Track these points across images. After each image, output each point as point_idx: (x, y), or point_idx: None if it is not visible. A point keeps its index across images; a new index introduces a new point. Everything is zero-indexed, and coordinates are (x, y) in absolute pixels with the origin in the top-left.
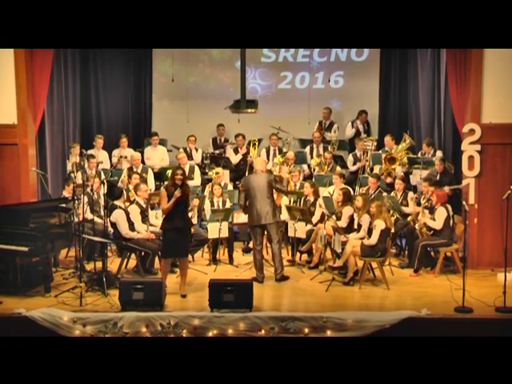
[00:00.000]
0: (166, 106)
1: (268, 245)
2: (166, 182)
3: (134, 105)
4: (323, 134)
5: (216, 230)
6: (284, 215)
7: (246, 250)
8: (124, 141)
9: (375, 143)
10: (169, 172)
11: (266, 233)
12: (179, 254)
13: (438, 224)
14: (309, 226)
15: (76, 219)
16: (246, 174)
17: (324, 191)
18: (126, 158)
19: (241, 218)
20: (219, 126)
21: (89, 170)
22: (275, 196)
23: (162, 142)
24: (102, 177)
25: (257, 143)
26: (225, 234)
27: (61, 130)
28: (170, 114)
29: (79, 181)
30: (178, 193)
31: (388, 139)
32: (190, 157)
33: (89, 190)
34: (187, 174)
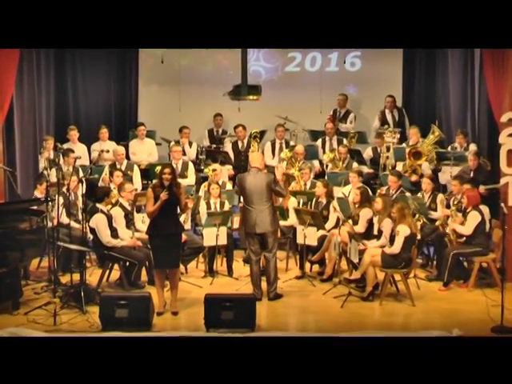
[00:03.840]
0: (155, 92)
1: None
2: (154, 181)
3: (117, 91)
4: (337, 125)
5: (213, 236)
6: (292, 219)
7: (248, 260)
8: (104, 132)
9: (398, 136)
10: (158, 169)
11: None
12: (169, 265)
13: (467, 229)
14: (321, 232)
15: (50, 224)
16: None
17: (338, 191)
18: (107, 152)
19: (239, 221)
20: (216, 115)
21: (65, 166)
22: (281, 198)
23: (150, 135)
24: (80, 174)
25: (259, 135)
26: (223, 241)
27: (32, 120)
28: (159, 102)
29: (53, 179)
30: (163, 195)
31: (414, 131)
32: (182, 152)
33: (64, 189)
34: (179, 171)
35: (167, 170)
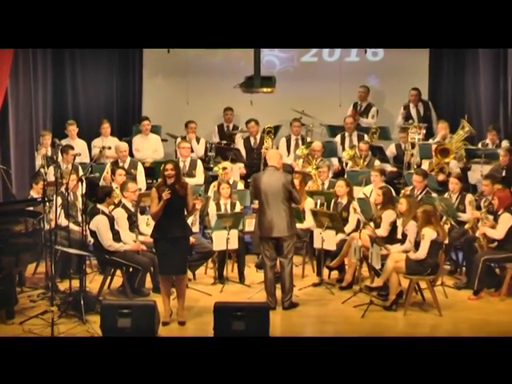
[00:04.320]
0: (160, 84)
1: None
2: (159, 180)
3: (120, 83)
4: (358, 120)
5: (223, 240)
6: (308, 222)
7: (261, 266)
8: (106, 127)
9: (423, 131)
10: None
11: (277, 248)
12: (175, 271)
13: (498, 233)
14: (340, 236)
15: (47, 226)
16: (261, 170)
17: (359, 192)
18: (109, 148)
19: (255, 224)
20: (227, 109)
21: (63, 164)
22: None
23: (155, 130)
24: (80, 173)
25: (273, 131)
26: (234, 245)
27: (28, 114)
28: (165, 95)
29: (51, 178)
30: (165, 194)
31: (442, 126)
32: (190, 148)
33: (63, 189)
34: (187, 169)
35: (169, 166)
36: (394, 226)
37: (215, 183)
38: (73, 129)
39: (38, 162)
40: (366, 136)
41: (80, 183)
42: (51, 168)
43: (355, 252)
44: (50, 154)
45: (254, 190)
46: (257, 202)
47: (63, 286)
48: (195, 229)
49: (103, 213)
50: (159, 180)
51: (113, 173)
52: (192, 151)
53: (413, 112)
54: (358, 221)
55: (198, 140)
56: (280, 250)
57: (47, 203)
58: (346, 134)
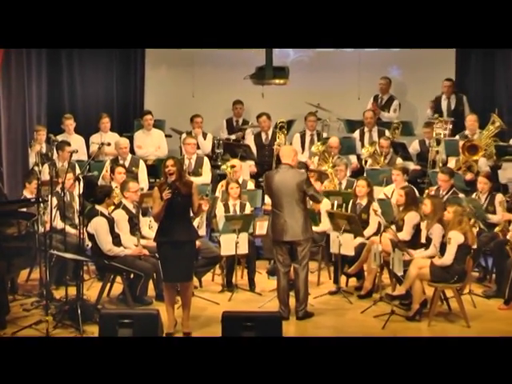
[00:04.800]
0: (164, 75)
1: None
2: (162, 179)
3: (121, 74)
4: (379, 114)
5: (232, 244)
6: (324, 224)
7: (273, 272)
8: (105, 122)
9: (450, 126)
10: None
11: (291, 252)
12: (180, 278)
13: None
14: (359, 240)
15: (41, 229)
16: (273, 168)
17: (379, 192)
18: (108, 145)
19: (266, 227)
20: (236, 102)
21: (59, 161)
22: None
23: (159, 125)
24: (77, 171)
25: (286, 126)
26: (244, 249)
27: (21, 108)
28: (169, 87)
29: (45, 176)
30: (166, 193)
31: (471, 118)
32: (196, 145)
33: (59, 188)
34: (193, 167)
35: (169, 162)
36: (417, 229)
37: (223, 182)
38: (70, 123)
39: (32, 159)
40: (387, 131)
41: (77, 182)
42: (46, 166)
43: (375, 257)
44: (44, 150)
45: (266, 190)
46: (269, 202)
47: (59, 293)
48: (201, 232)
49: (102, 214)
50: (162, 179)
51: (112, 171)
52: (198, 148)
53: (443, 105)
54: (379, 223)
55: (204, 136)
56: (294, 255)
57: (41, 204)
58: (366, 129)
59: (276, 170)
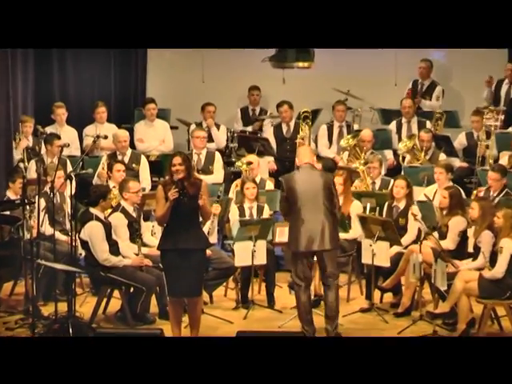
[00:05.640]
0: (169, 58)
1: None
2: (167, 177)
3: (119, 57)
4: (419, 102)
5: (248, 253)
6: (355, 231)
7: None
8: (101, 111)
9: (502, 117)
10: None
11: (317, 264)
12: (187, 292)
13: None
14: (396, 249)
15: (27, 235)
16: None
17: (420, 193)
18: (105, 138)
19: (287, 234)
20: (252, 89)
21: (48, 157)
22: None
23: (163, 115)
24: (69, 168)
25: (310, 116)
26: (261, 259)
27: (4, 97)
28: (176, 71)
29: (32, 174)
30: (172, 193)
31: None
32: (207, 138)
33: (47, 188)
34: (202, 164)
35: (177, 160)
36: (463, 236)
37: (238, 182)
38: (62, 112)
39: (17, 154)
40: (428, 123)
41: (68, 181)
42: (32, 162)
43: (414, 269)
44: (31, 144)
45: (286, 194)
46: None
47: (47, 310)
48: (212, 239)
49: (97, 219)
50: (166, 177)
51: (110, 169)
52: (209, 141)
53: (502, 91)
54: (419, 230)
55: (217, 127)
56: (322, 269)
57: (27, 206)
58: (404, 120)
59: (296, 172)
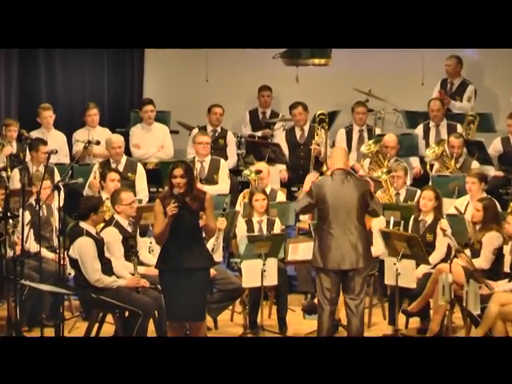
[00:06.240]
0: (169, 55)
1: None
2: (166, 189)
3: (113, 54)
4: (448, 104)
5: (256, 272)
6: (377, 247)
7: (310, 310)
8: (93, 114)
9: None
10: None
11: (343, 283)
12: (189, 316)
13: None
14: (424, 268)
15: (10, 252)
16: (310, 172)
17: (449, 206)
18: (97, 144)
19: (302, 251)
20: (263, 89)
21: (33, 165)
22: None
23: (162, 118)
24: (57, 178)
25: (327, 119)
26: (272, 280)
27: None
28: (176, 70)
29: (16, 185)
30: (171, 209)
31: None
32: (212, 143)
33: (33, 200)
34: (206, 173)
35: (178, 172)
36: (499, 254)
37: (246, 193)
38: (49, 115)
39: None
40: (459, 126)
41: (56, 192)
42: (16, 171)
43: (444, 291)
44: (15, 151)
45: (316, 203)
46: (305, 219)
47: (32, 335)
48: (217, 257)
49: (88, 234)
50: (165, 188)
51: (103, 178)
52: (214, 148)
53: None
54: (449, 247)
55: (224, 132)
56: (348, 287)
57: (10, 220)
58: (432, 123)
59: (328, 177)
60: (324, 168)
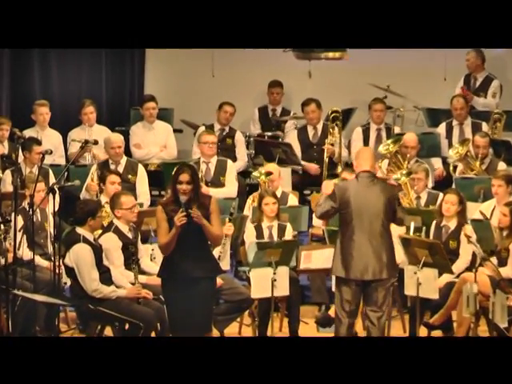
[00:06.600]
0: (172, 49)
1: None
2: (169, 192)
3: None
4: (471, 100)
5: (266, 282)
6: (397, 255)
7: (324, 322)
8: (89, 112)
9: None
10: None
11: (364, 294)
12: (193, 329)
13: None
14: (446, 278)
15: (1, 260)
16: (324, 176)
17: (474, 210)
18: (95, 143)
19: (315, 259)
20: (273, 85)
21: (26, 166)
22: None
23: (165, 115)
24: (52, 180)
25: (341, 117)
26: (283, 290)
27: None
28: (180, 64)
29: (7, 188)
30: (179, 219)
31: None
32: (220, 141)
33: (26, 204)
34: (212, 175)
35: (185, 177)
36: None
37: (255, 196)
38: (45, 111)
39: None
40: (484, 125)
41: (51, 195)
42: (8, 173)
43: (468, 302)
44: (7, 151)
45: (339, 207)
46: (319, 224)
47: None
48: (224, 265)
49: (86, 240)
50: (167, 193)
51: (102, 180)
52: (221, 148)
53: None
54: (474, 254)
55: (232, 132)
56: (370, 298)
57: (1, 226)
58: (455, 122)
59: (353, 180)
60: (338, 169)
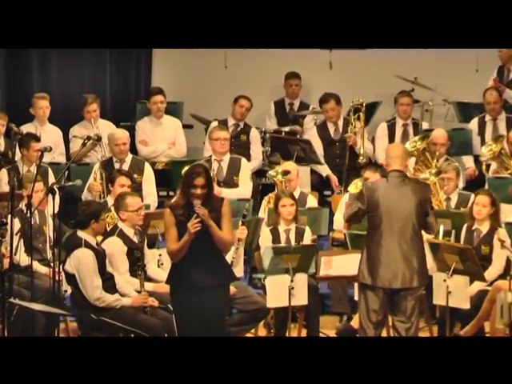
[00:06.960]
0: None
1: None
2: (178, 193)
3: None
4: (503, 92)
5: (283, 290)
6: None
7: (346, 334)
8: (92, 110)
9: None
10: (186, 171)
11: (392, 303)
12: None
13: None
14: (478, 286)
15: None
16: (344, 173)
17: (509, 213)
18: (97, 140)
19: (336, 265)
20: (290, 77)
21: (24, 165)
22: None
23: (174, 110)
24: (51, 179)
25: (364, 111)
26: (301, 299)
27: None
28: (189, 55)
29: (3, 188)
30: (194, 225)
31: None
32: (234, 138)
33: (23, 205)
34: (225, 174)
35: (200, 181)
36: None
37: (271, 197)
38: (45, 105)
39: None
40: None
41: (50, 196)
42: (4, 171)
43: (502, 312)
44: (3, 148)
45: (367, 209)
46: (340, 228)
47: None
48: (238, 272)
49: (88, 245)
50: (177, 195)
51: (111, 181)
52: (234, 145)
53: None
54: (508, 260)
55: (247, 128)
56: (398, 308)
57: None
58: (488, 117)
59: (382, 180)
60: (360, 158)
